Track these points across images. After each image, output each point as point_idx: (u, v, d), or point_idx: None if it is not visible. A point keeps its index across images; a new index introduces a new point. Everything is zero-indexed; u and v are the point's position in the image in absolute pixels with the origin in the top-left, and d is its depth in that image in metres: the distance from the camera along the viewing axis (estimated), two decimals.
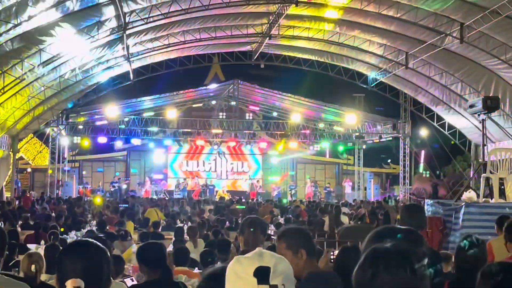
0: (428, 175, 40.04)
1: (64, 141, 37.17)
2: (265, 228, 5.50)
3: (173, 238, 13.76)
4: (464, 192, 12.81)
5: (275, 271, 2.41)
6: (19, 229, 17.13)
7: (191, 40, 26.98)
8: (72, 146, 39.38)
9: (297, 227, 4.76)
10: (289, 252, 4.16)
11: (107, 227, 15.92)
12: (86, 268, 3.07)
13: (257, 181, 42.66)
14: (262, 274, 2.38)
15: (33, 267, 6.60)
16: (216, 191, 40.38)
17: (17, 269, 8.79)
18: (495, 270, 2.75)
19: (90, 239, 3.37)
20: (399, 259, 2.16)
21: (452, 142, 33.04)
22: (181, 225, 18.54)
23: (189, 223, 19.39)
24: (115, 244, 12.53)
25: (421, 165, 40.71)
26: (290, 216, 21.24)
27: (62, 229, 14.62)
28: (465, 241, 5.30)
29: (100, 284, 3.12)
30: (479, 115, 14.99)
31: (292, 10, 23.14)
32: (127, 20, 21.21)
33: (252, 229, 5.23)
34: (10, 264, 9.62)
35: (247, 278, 2.39)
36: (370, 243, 2.54)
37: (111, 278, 3.25)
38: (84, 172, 42.62)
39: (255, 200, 35.31)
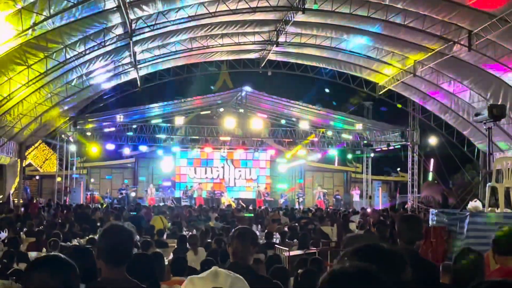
0: (436, 183, 39.80)
1: (72, 148, 37.20)
2: (255, 239, 5.36)
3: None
4: (470, 202, 12.66)
5: None
6: (24, 236, 17.12)
7: (198, 47, 26.95)
8: (80, 153, 39.36)
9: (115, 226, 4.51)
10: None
11: None
12: (55, 285, 3.00)
13: (265, 188, 42.51)
14: None
15: None
16: (221, 198, 40.29)
17: (14, 277, 8.73)
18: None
19: (59, 254, 3.29)
20: (368, 284, 2.02)
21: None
22: (186, 233, 18.48)
23: (194, 231, 19.33)
24: None
25: (430, 174, 40.45)
26: (295, 225, 21.08)
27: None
28: (461, 253, 5.20)
29: None
30: (485, 123, 14.85)
31: (299, 17, 23.07)
32: (133, 27, 21.21)
33: (240, 241, 5.11)
34: (8, 272, 9.56)
35: None
36: (344, 260, 2.37)
37: None
38: (92, 180, 42.59)
39: (262, 207, 35.17)
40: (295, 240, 16.90)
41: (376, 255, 2.36)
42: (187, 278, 2.39)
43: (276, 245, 15.56)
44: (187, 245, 13.19)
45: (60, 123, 32.85)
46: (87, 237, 15.75)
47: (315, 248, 14.85)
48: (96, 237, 15.33)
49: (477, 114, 15.07)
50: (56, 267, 3.09)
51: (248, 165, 44.08)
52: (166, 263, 8.92)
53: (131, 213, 26.74)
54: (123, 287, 4.06)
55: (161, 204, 35.75)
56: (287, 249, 14.34)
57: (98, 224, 22.23)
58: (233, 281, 2.30)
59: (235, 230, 5.35)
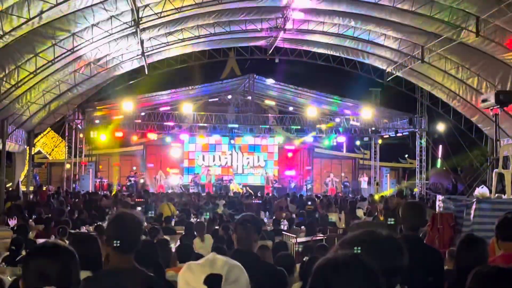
0: (445, 170, 39.74)
1: (80, 135, 37.30)
2: (259, 226, 5.39)
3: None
4: (477, 188, 12.65)
5: (227, 278, 2.28)
6: (32, 223, 17.23)
7: (205, 34, 26.94)
8: (88, 141, 39.46)
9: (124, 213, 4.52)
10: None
11: None
12: (53, 272, 3.03)
13: (273, 175, 42.59)
14: (213, 282, 2.26)
15: None
16: (230, 185, 40.41)
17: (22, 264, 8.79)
18: (486, 273, 2.67)
19: (58, 242, 3.34)
20: (354, 272, 2.03)
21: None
22: (193, 220, 18.57)
23: (202, 218, 19.42)
24: None
25: (439, 160, 40.38)
26: (304, 211, 21.13)
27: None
28: (464, 239, 5.21)
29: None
30: (491, 109, 14.82)
31: (306, 3, 23.00)
32: (140, 15, 21.19)
33: (244, 228, 5.14)
34: (17, 259, 9.65)
35: (197, 287, 2.27)
36: (339, 249, 2.38)
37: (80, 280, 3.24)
38: (100, 167, 42.70)
39: (270, 194, 35.22)
40: (303, 227, 16.96)
41: (373, 243, 2.38)
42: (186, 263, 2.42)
43: (283, 232, 15.63)
44: (194, 232, 13.24)
45: (68, 111, 32.94)
46: (95, 224, 15.85)
47: (322, 235, 14.90)
48: (104, 224, 15.49)
49: (484, 100, 15.03)
50: (54, 255, 3.12)
51: (256, 152, 44.13)
52: (174, 250, 8.99)
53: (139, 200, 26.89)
54: (131, 275, 4.09)
55: (170, 191, 35.84)
56: (295, 236, 14.40)
57: (107, 210, 22.39)
58: (230, 268, 2.32)
59: (239, 218, 5.39)
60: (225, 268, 2.31)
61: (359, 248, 2.23)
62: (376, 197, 28.65)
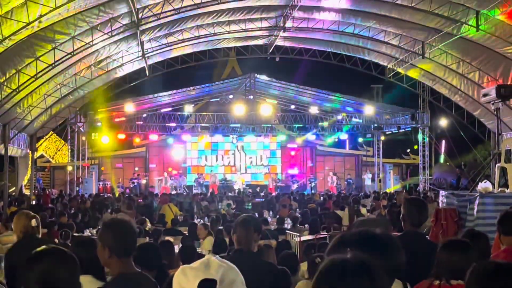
0: (448, 165, 39.68)
1: (83, 138, 37.32)
2: (259, 226, 5.38)
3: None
4: (480, 182, 12.62)
5: (222, 281, 2.25)
6: None
7: (205, 34, 26.94)
8: (91, 143, 39.48)
9: (118, 219, 4.58)
10: (99, 246, 4.13)
11: None
12: (57, 277, 3.05)
13: (276, 174, 42.62)
14: (207, 287, 2.24)
15: (33, 221, 6.61)
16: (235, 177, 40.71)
17: None
18: (483, 269, 2.65)
19: (57, 247, 3.34)
20: (359, 274, 2.00)
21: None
22: (197, 221, 18.57)
23: (206, 219, 19.41)
24: None
25: (442, 156, 40.32)
26: (307, 210, 21.09)
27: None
28: (465, 235, 5.20)
29: None
30: (493, 103, 14.79)
31: (306, 1, 22.98)
32: (140, 16, 21.21)
33: (243, 228, 5.14)
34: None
35: None
36: (335, 249, 2.34)
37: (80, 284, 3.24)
38: (102, 169, 42.73)
39: (274, 194, 35.20)
40: (306, 225, 16.93)
41: (368, 242, 2.35)
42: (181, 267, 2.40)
43: (287, 231, 15.61)
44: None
45: (70, 114, 32.95)
46: (99, 227, 15.83)
47: (326, 233, 14.86)
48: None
49: (485, 95, 14.99)
50: (55, 260, 3.13)
51: (258, 151, 44.14)
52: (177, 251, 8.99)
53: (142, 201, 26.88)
54: (142, 279, 4.18)
55: (173, 192, 35.82)
56: (298, 234, 14.37)
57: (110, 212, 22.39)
58: (224, 272, 2.29)
59: (239, 218, 5.39)
60: (220, 271, 2.27)
61: (358, 248, 2.20)
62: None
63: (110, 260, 4.03)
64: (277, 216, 18.86)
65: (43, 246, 3.25)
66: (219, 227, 14.40)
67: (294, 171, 44.35)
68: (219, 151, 43.80)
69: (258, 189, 37.76)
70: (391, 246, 2.42)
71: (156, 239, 11.91)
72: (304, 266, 8.16)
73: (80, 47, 21.69)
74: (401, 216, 5.75)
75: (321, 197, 29.45)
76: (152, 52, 27.43)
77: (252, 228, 5.18)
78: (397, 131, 39.36)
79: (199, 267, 2.29)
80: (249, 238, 5.13)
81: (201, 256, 9.17)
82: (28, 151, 30.52)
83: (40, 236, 6.84)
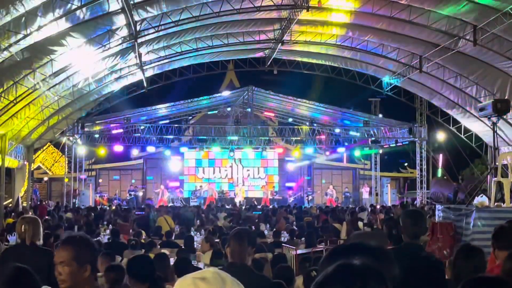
0: (446, 179, 39.70)
1: (80, 150, 37.28)
2: (253, 239, 5.36)
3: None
4: (476, 197, 12.63)
5: None
6: None
7: (203, 47, 26.98)
8: (88, 155, 39.45)
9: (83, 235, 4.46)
10: (74, 263, 3.94)
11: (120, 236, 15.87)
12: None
13: (273, 187, 42.60)
14: None
15: (22, 227, 6.74)
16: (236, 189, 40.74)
17: None
18: (474, 283, 2.64)
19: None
20: (372, 278, 1.96)
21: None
22: (194, 233, 18.53)
23: (202, 231, 19.36)
24: (125, 254, 12.45)
25: (439, 170, 40.36)
26: (303, 223, 21.07)
27: None
28: (461, 249, 5.18)
29: None
30: (489, 118, 14.80)
31: (304, 15, 23.01)
32: (138, 29, 21.22)
33: (237, 241, 5.11)
34: None
35: None
36: (328, 261, 2.30)
37: None
38: (100, 181, 42.70)
39: (270, 206, 35.13)
40: (303, 239, 16.90)
41: (360, 254, 2.33)
42: (187, 277, 2.24)
43: (283, 244, 15.57)
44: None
45: (67, 126, 32.93)
46: (94, 239, 15.77)
47: (322, 246, 14.84)
48: (102, 239, 15.48)
49: (481, 109, 14.99)
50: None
51: (256, 164, 44.14)
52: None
53: (141, 213, 26.85)
54: None
55: (170, 204, 35.77)
56: (294, 247, 14.34)
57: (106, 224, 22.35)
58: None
59: (233, 231, 5.36)
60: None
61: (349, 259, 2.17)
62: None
63: (88, 278, 3.94)
64: (274, 229, 18.82)
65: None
66: (216, 240, 14.37)
67: (292, 184, 44.33)
68: (216, 162, 43.73)
69: (255, 202, 37.70)
70: (383, 258, 2.39)
71: (148, 251, 11.88)
72: (299, 279, 8.14)
73: (77, 59, 21.71)
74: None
75: (317, 210, 29.38)
76: (150, 64, 27.45)
77: (246, 241, 5.14)
78: (394, 145, 39.38)
79: (214, 281, 2.16)
80: (243, 252, 5.09)
81: (196, 269, 9.13)
82: (25, 162, 30.47)
83: (29, 240, 6.87)
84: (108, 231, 19.44)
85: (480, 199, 12.10)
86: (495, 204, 12.32)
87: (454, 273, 5.18)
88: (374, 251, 2.38)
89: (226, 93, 39.30)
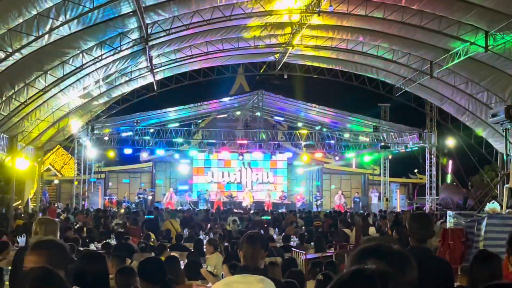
0: (455, 185, 39.52)
1: (90, 152, 37.29)
2: (265, 243, 5.34)
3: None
4: (488, 203, 12.57)
5: None
6: None
7: (214, 51, 27.00)
8: (98, 158, 39.48)
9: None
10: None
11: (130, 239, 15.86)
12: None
13: (281, 191, 42.50)
14: None
15: (34, 226, 6.66)
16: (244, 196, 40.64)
17: None
18: None
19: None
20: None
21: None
22: (203, 237, 18.49)
23: (211, 235, 19.32)
24: (135, 257, 12.43)
25: (449, 176, 40.18)
26: (312, 228, 21.01)
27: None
28: (478, 255, 5.14)
29: None
30: (501, 124, 14.74)
31: (315, 19, 23.00)
32: (149, 32, 21.27)
33: (250, 244, 5.09)
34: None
35: None
36: (357, 261, 2.30)
37: None
38: (110, 183, 42.72)
39: (280, 211, 35.06)
40: (312, 243, 16.86)
41: (381, 256, 2.31)
42: (221, 279, 2.20)
43: (293, 249, 15.53)
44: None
45: (77, 128, 32.97)
46: (104, 242, 15.79)
47: (332, 251, 14.80)
48: (111, 241, 15.48)
49: (494, 115, 14.96)
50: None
51: (265, 168, 44.06)
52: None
53: (149, 216, 26.83)
54: None
55: (179, 207, 35.76)
56: (304, 252, 14.30)
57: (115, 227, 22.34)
58: None
59: (245, 234, 5.34)
60: None
61: (375, 260, 2.16)
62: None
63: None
64: (283, 234, 18.79)
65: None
66: (226, 244, 14.35)
67: (301, 188, 44.23)
68: (225, 162, 43.58)
69: (265, 206, 37.64)
70: (407, 261, 2.39)
71: (159, 255, 11.85)
72: (310, 283, 8.10)
73: (88, 62, 21.77)
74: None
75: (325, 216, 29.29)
76: (160, 67, 27.49)
77: (258, 244, 5.13)
78: (404, 150, 39.23)
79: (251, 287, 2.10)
80: (256, 255, 5.08)
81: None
82: (35, 164, 30.53)
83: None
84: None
85: (492, 205, 12.03)
86: (507, 210, 12.26)
87: (471, 279, 5.13)
88: (398, 254, 2.37)
89: (236, 97, 39.25)
